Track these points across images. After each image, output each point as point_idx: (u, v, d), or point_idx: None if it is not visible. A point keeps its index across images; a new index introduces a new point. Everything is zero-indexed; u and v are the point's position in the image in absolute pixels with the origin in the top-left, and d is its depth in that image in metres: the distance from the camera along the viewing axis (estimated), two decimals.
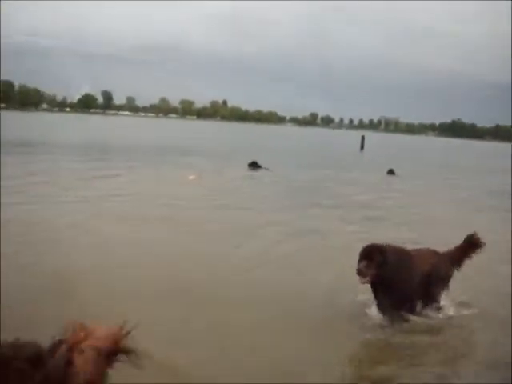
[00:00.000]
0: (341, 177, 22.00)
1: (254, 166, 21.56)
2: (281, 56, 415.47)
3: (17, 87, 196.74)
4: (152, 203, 12.22)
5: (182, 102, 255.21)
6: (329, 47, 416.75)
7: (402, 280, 5.60)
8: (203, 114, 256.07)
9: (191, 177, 17.05)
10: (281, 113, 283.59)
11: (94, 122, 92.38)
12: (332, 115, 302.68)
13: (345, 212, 13.09)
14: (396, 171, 23.55)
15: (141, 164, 22.31)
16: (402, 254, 5.74)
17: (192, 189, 15.23)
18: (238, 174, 19.83)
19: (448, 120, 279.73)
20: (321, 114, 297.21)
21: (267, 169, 21.40)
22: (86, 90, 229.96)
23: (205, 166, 22.47)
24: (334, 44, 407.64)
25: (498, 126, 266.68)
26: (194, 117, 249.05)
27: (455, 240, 6.36)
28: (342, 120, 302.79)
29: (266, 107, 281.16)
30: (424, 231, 10.68)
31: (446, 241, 6.69)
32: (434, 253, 6.10)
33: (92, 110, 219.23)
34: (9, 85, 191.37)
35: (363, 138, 51.30)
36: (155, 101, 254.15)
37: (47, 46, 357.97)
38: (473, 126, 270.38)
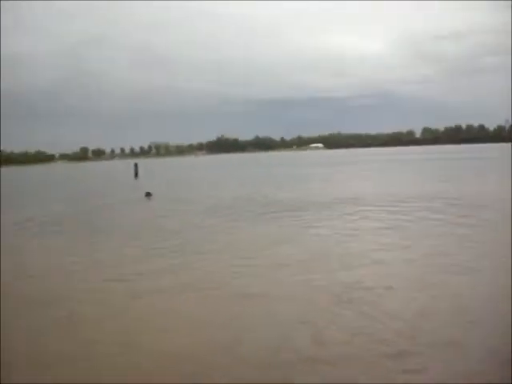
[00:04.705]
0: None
1: None
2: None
3: None
4: None
5: None
6: (88, 78, 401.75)
7: None
8: None
9: None
10: (49, 151, 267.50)
11: None
12: (102, 147, 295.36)
13: None
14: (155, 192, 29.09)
15: None
16: None
17: None
18: None
19: (213, 138, 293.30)
20: (91, 147, 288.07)
21: None
22: None
23: None
24: (96, 75, 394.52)
25: (257, 138, 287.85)
26: None
27: None
28: (113, 151, 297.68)
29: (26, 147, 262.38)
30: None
31: None
32: None
33: None
34: None
35: (136, 165, 52.21)
36: None
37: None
38: (235, 140, 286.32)
